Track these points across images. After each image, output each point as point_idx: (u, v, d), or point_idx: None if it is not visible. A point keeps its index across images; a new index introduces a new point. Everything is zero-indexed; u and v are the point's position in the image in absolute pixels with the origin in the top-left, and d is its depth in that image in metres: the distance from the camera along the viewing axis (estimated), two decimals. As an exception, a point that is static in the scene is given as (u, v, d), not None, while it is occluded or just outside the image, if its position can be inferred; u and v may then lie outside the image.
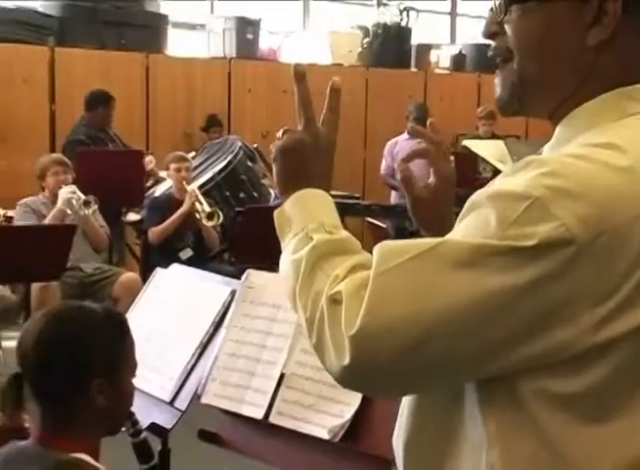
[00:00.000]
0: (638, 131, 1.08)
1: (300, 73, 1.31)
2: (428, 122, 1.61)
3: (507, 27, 1.16)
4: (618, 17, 1.09)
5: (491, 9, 1.18)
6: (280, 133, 1.32)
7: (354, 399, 2.02)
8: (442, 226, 1.36)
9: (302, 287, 1.14)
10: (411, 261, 1.04)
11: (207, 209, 6.06)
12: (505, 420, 1.06)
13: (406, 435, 1.18)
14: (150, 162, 7.00)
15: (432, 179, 1.50)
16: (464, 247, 1.02)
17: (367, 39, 9.68)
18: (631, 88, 1.12)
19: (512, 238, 0.99)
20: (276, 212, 1.26)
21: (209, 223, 6.04)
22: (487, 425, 1.07)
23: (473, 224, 1.04)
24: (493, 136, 8.53)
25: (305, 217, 1.21)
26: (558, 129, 1.16)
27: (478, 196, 1.06)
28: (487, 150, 7.59)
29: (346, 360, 1.04)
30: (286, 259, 1.20)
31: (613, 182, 1.01)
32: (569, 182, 1.00)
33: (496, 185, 1.06)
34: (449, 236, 1.06)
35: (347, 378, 1.08)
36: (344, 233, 1.20)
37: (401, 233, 6.69)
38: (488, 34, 1.20)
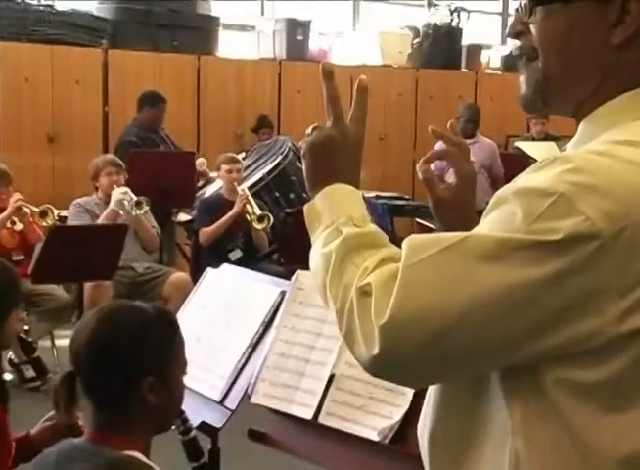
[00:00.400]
0: None
1: (328, 72, 1.34)
2: (448, 124, 1.65)
3: (532, 28, 1.19)
4: None
5: (516, 9, 1.21)
6: (309, 130, 1.35)
7: (404, 401, 2.02)
8: (463, 226, 1.38)
9: (332, 279, 1.17)
10: (439, 254, 1.07)
11: (258, 212, 6.08)
12: (529, 409, 1.09)
13: (431, 427, 1.21)
14: (202, 163, 7.05)
15: (453, 180, 1.54)
16: (490, 240, 1.05)
17: (417, 40, 9.65)
18: None
19: (537, 232, 1.02)
20: (306, 207, 1.29)
21: (260, 226, 6.06)
22: (512, 415, 1.10)
23: (499, 219, 1.07)
24: (547, 137, 8.43)
25: (334, 212, 1.25)
26: (581, 127, 1.19)
27: (503, 192, 1.08)
28: (539, 151, 7.51)
29: (376, 350, 1.07)
30: (315, 253, 1.24)
31: (637, 179, 1.04)
32: (593, 178, 1.03)
33: (521, 181, 1.09)
34: (476, 230, 1.10)
35: (376, 367, 1.11)
36: (373, 227, 1.24)
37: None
38: (514, 34, 1.23)
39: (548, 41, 1.17)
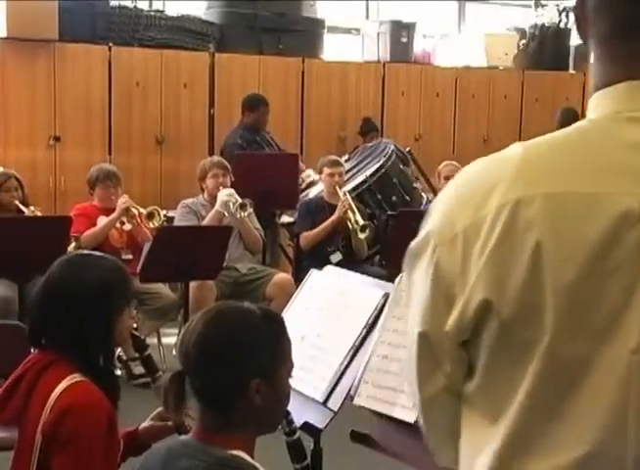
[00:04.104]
0: None
1: None
2: None
3: None
4: None
5: None
6: None
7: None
8: None
9: None
10: None
11: (360, 220, 6.06)
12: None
13: None
14: (308, 176, 7.06)
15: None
16: None
17: (523, 41, 9.50)
18: None
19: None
20: None
21: (362, 236, 6.05)
22: None
23: None
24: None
25: None
26: None
27: None
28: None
29: None
30: None
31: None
32: None
33: None
34: None
35: None
36: None
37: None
38: None
39: None
